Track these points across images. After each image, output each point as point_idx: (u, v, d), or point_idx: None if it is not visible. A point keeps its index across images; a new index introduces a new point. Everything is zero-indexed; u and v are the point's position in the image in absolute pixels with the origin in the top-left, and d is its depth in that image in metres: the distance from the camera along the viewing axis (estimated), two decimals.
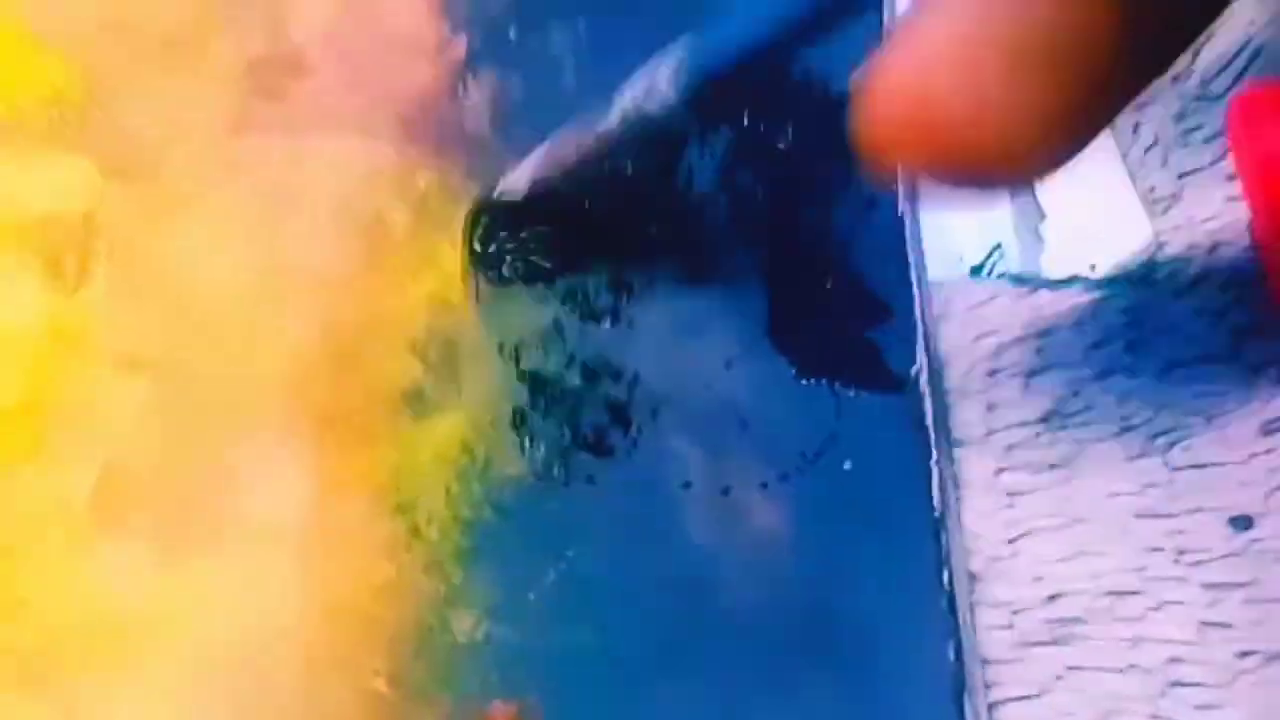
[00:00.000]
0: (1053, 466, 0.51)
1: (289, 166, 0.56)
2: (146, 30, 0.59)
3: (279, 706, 0.45)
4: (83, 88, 0.57)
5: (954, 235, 0.56)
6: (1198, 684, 0.47)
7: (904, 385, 0.51)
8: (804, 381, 0.52)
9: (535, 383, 0.51)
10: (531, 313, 0.53)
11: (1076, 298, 0.54)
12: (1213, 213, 0.55)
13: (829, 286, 0.53)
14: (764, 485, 0.50)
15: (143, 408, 0.51)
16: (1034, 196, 0.56)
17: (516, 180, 0.51)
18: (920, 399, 0.51)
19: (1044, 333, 0.53)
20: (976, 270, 0.55)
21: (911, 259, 0.53)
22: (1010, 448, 0.51)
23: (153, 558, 0.48)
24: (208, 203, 0.55)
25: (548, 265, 0.53)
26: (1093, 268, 0.54)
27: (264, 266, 0.54)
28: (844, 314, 0.53)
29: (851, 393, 0.52)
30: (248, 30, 0.59)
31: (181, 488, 0.50)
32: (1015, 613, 0.48)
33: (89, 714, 0.46)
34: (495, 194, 0.52)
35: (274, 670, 0.46)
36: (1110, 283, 0.54)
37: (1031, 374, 0.53)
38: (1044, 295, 0.54)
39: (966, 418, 0.52)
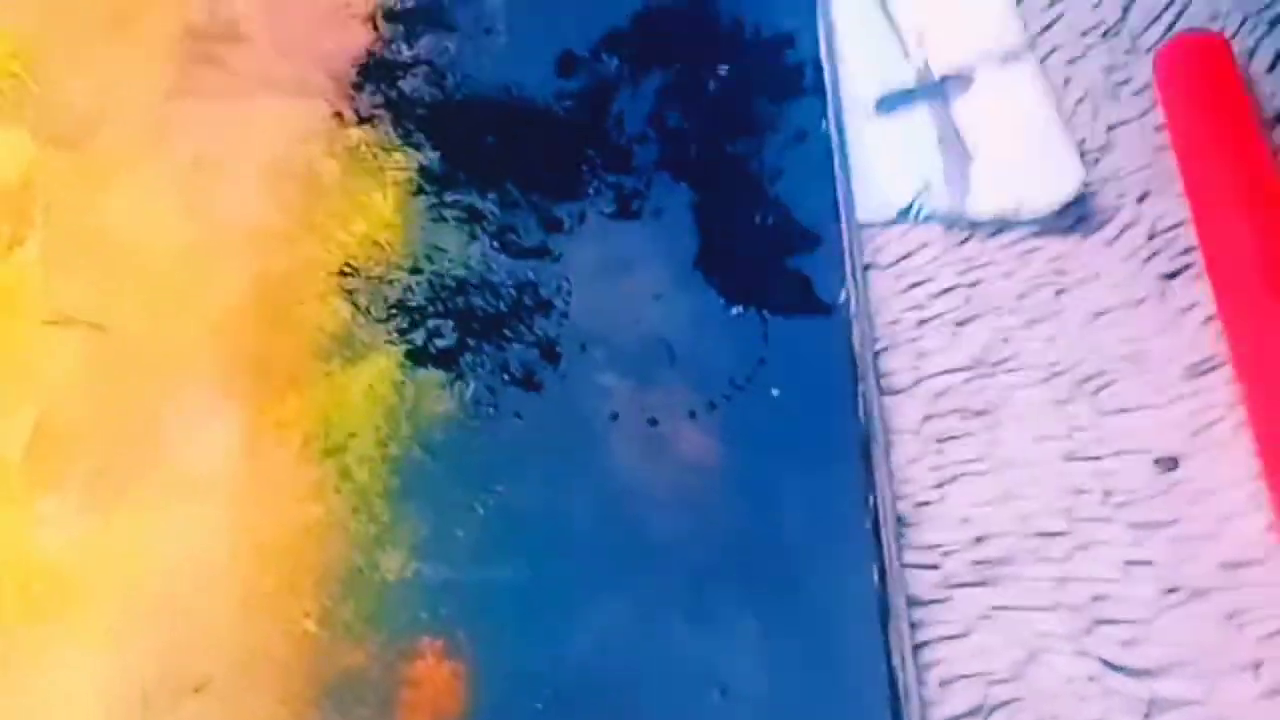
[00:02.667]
0: (981, 413, 0.51)
1: (223, 129, 0.56)
2: (85, 3, 0.59)
3: (210, 649, 0.46)
4: (21, 62, 0.57)
5: (881, 177, 0.57)
6: (1122, 620, 0.47)
7: (831, 310, 0.51)
8: (732, 310, 0.52)
9: (464, 320, 0.51)
10: (462, 251, 0.53)
11: (1005, 248, 0.54)
12: (1142, 163, 0.55)
13: (757, 219, 0.53)
14: (692, 414, 0.50)
15: (75, 363, 0.52)
16: (960, 139, 0.56)
17: None
18: (848, 325, 0.51)
19: (973, 282, 0.54)
20: (904, 212, 0.55)
21: (840, 193, 0.54)
22: (939, 395, 0.52)
23: (86, 509, 0.49)
24: (142, 167, 0.56)
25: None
26: (1018, 209, 0.54)
27: (196, 225, 0.54)
28: (772, 244, 0.53)
29: (780, 319, 0.51)
30: (185, 1, 0.59)
31: (113, 440, 0.50)
32: (943, 555, 0.49)
33: (22, 662, 0.46)
34: None
35: (205, 614, 0.46)
36: (1038, 225, 0.54)
37: (961, 322, 0.53)
38: (973, 245, 0.55)
39: (895, 366, 0.53)
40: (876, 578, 0.47)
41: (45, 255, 0.53)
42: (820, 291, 0.52)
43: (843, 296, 0.51)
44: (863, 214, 0.54)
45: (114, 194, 0.54)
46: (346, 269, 0.52)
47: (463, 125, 0.55)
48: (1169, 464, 0.49)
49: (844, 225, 0.53)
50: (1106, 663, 0.46)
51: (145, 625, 0.46)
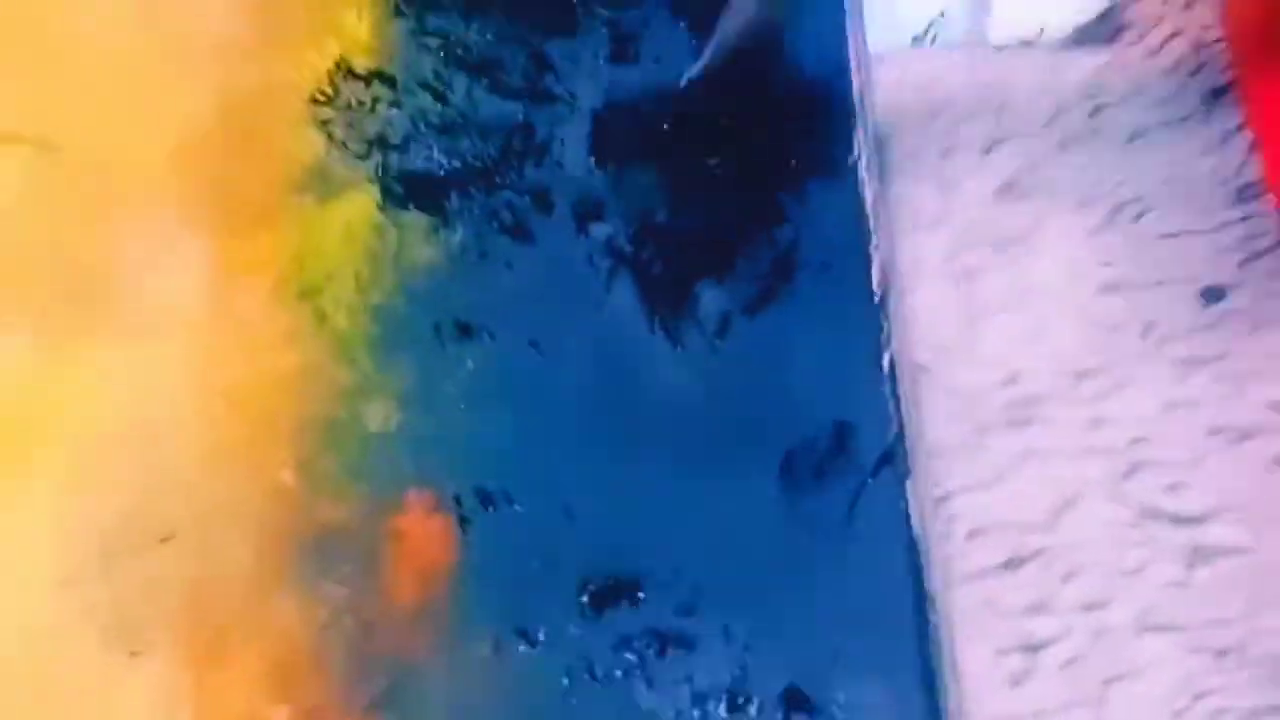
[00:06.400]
0: (1011, 243, 0.47)
1: None
2: None
3: (176, 498, 0.43)
4: None
5: (896, 4, 0.52)
6: (1164, 464, 0.43)
7: (842, 169, 0.47)
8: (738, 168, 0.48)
9: (450, 161, 0.46)
10: (446, 85, 0.49)
11: (1035, 64, 0.50)
12: None
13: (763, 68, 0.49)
14: (698, 274, 0.46)
15: (19, 185, 0.48)
16: None
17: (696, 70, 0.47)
18: (859, 183, 0.46)
19: (1001, 103, 0.50)
20: (919, 39, 0.51)
21: (850, 35, 0.49)
22: (966, 226, 0.47)
23: (36, 347, 0.45)
24: None
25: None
26: (1042, 31, 0.49)
27: (152, 32, 0.50)
28: (782, 95, 0.49)
29: (789, 177, 0.48)
30: None
31: (65, 272, 0.46)
32: (971, 398, 0.45)
33: None
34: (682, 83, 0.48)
35: (172, 463, 0.43)
36: (1064, 47, 0.49)
37: (988, 147, 0.49)
38: (1001, 63, 0.50)
39: (919, 198, 0.48)
40: (892, 438, 0.42)
41: None
42: (831, 149, 0.48)
43: (852, 157, 0.46)
44: (875, 43, 0.49)
45: None
46: (319, 96, 0.47)
47: None
48: (1215, 295, 0.45)
49: (854, 76, 0.48)
50: (1146, 509, 0.43)
51: (104, 472, 0.43)
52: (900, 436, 0.43)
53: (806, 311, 0.45)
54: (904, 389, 0.44)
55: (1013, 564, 0.43)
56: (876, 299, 0.45)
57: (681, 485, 0.42)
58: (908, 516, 0.42)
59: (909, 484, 0.42)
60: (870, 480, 0.42)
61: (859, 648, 0.40)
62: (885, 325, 0.45)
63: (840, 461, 0.43)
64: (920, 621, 0.41)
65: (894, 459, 0.43)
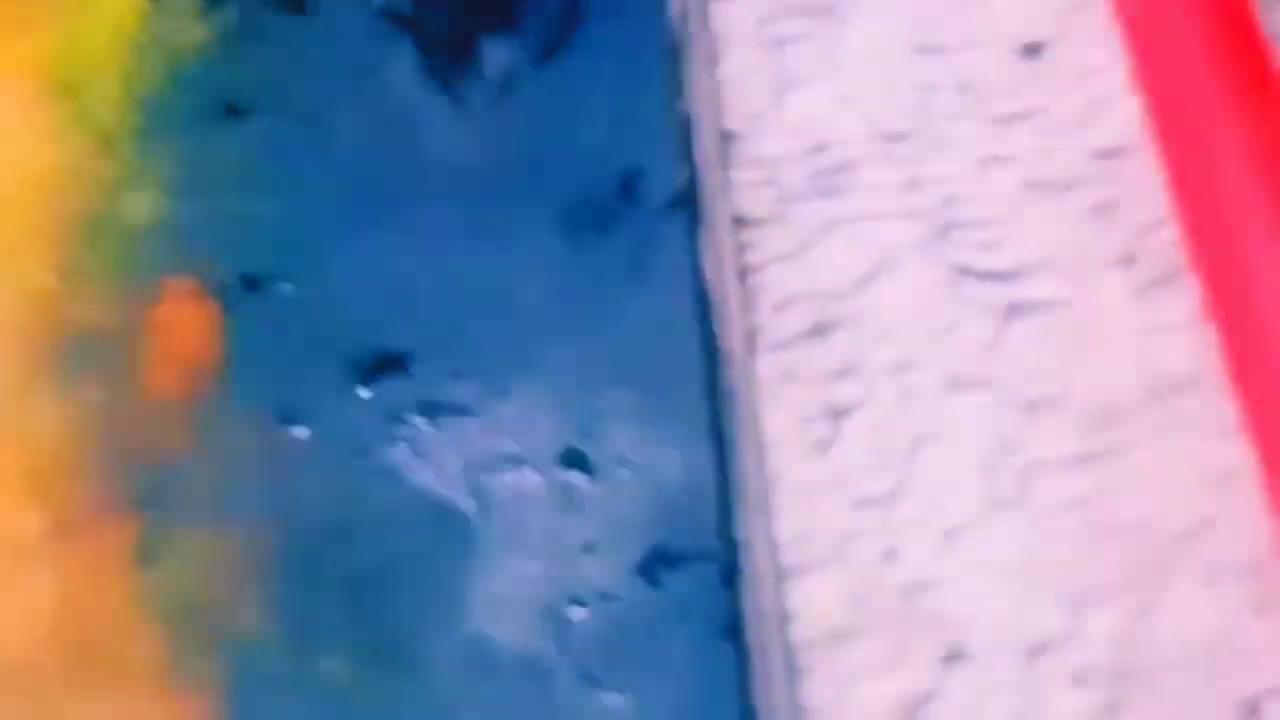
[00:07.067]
0: (825, 9, 0.44)
1: None
2: None
3: None
4: None
5: None
6: (978, 221, 0.41)
7: None
8: None
9: None
10: None
11: None
12: None
13: None
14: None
15: None
16: None
17: None
18: None
19: None
20: None
21: None
22: None
23: None
24: None
25: None
26: None
27: None
28: None
29: None
30: None
31: None
32: (777, 167, 0.42)
33: None
34: None
35: None
36: None
37: None
38: None
39: None
40: (684, 177, 0.41)
41: None
42: None
43: None
44: None
45: None
46: None
47: None
48: (1035, 50, 0.43)
49: None
50: (960, 267, 0.41)
51: None
52: (692, 184, 0.41)
53: (596, 61, 0.43)
54: (703, 144, 0.42)
55: (819, 330, 0.40)
56: (670, 43, 0.43)
57: (457, 250, 0.41)
58: (698, 266, 0.40)
59: (700, 233, 0.40)
60: (658, 225, 0.40)
61: (643, 403, 0.39)
62: (679, 72, 0.43)
63: (626, 209, 0.40)
64: (711, 378, 0.38)
65: (684, 203, 0.41)
